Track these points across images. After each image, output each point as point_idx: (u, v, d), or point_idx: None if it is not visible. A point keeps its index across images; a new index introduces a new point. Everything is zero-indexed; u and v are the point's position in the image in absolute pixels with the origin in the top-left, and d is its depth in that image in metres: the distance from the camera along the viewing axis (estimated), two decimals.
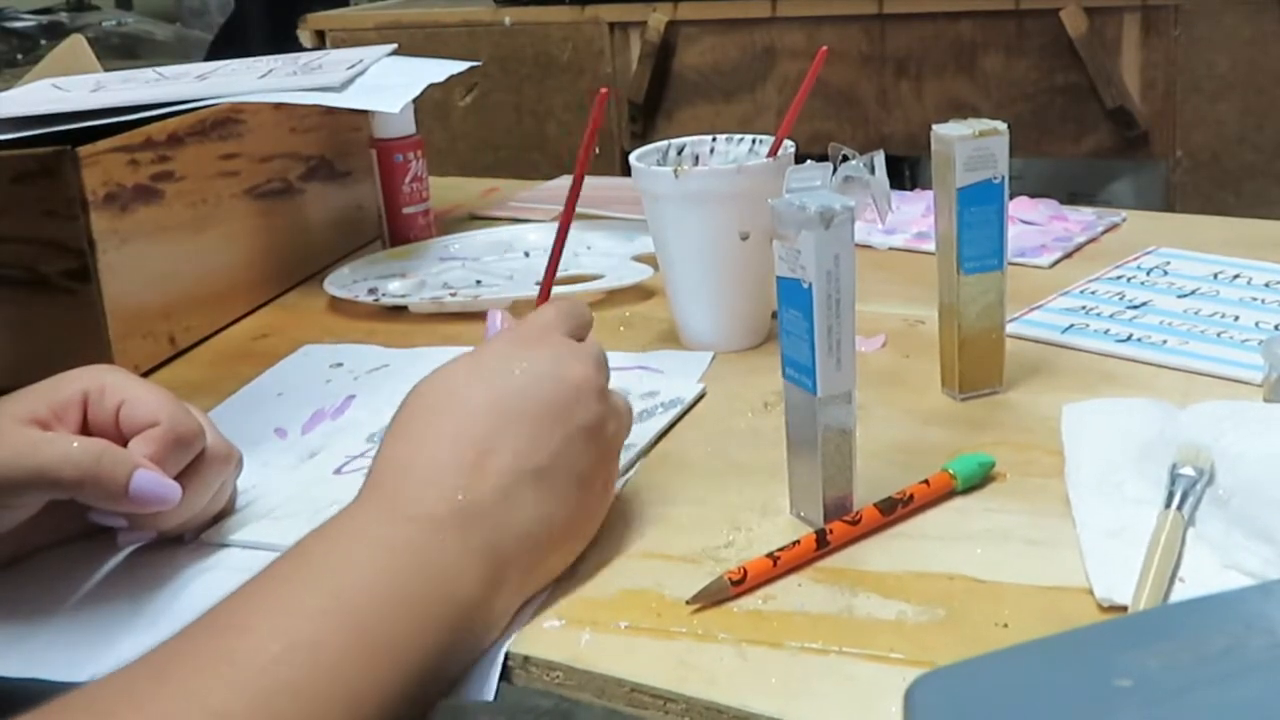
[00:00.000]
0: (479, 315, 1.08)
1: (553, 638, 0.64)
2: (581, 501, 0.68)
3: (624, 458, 0.81)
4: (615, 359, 0.97)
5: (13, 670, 0.67)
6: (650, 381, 0.92)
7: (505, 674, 0.64)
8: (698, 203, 0.94)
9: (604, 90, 0.73)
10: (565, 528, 0.67)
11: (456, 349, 1.00)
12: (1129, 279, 1.06)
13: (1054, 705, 0.44)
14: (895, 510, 0.72)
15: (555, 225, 1.29)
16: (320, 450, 0.86)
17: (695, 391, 0.90)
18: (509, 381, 0.68)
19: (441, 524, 0.62)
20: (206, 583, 0.71)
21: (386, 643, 0.57)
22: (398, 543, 0.61)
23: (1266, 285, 1.02)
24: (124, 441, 0.72)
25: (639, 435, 0.84)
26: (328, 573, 0.59)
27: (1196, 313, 0.98)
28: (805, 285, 0.69)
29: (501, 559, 0.63)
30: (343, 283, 1.16)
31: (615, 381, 0.91)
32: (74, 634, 0.69)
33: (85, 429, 0.73)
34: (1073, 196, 1.82)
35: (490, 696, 0.63)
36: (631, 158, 0.98)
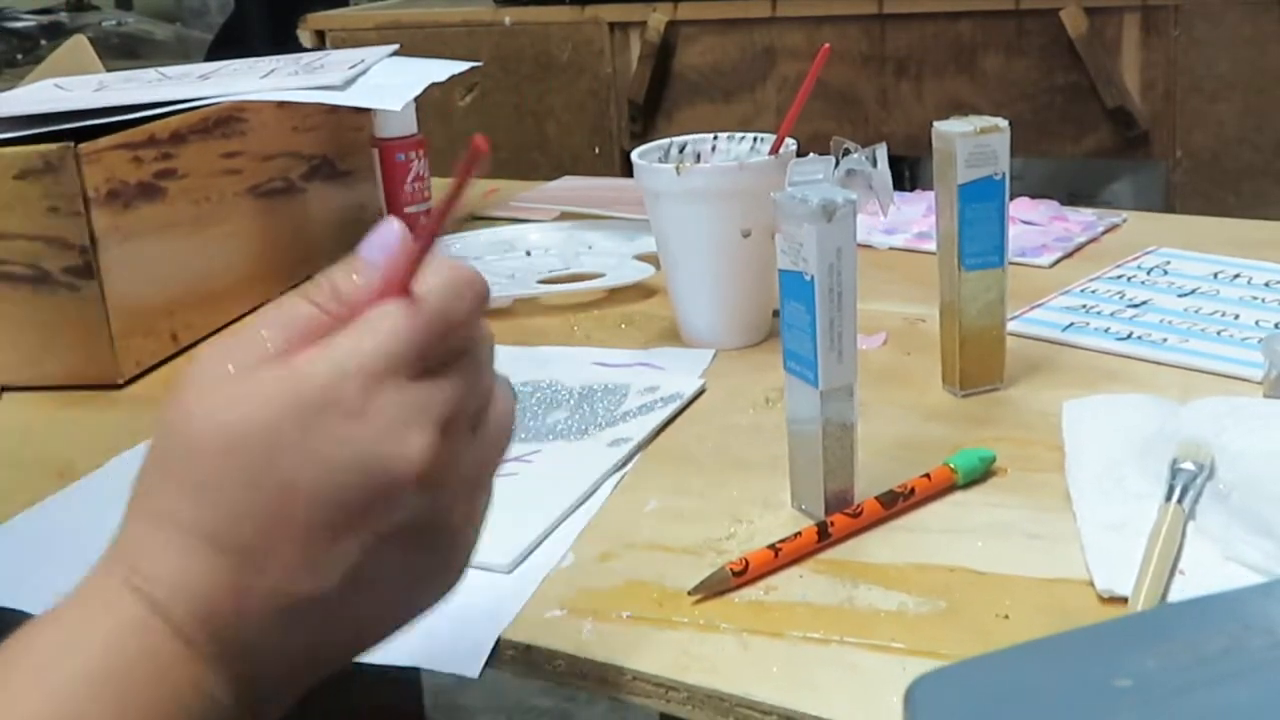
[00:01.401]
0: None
1: (555, 627, 0.64)
2: (385, 618, 0.53)
3: (622, 451, 0.82)
4: (617, 356, 0.97)
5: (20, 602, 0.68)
6: (651, 377, 0.92)
7: (506, 664, 0.64)
8: (699, 200, 0.94)
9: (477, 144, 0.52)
10: (352, 647, 0.53)
11: None
12: (1129, 278, 1.06)
13: (1054, 705, 0.45)
14: (896, 503, 0.72)
15: (556, 225, 1.30)
16: None
17: (695, 386, 0.90)
18: (298, 472, 0.47)
19: (194, 648, 0.48)
20: None
21: None
22: (135, 649, 0.48)
23: (1266, 285, 1.03)
24: None
25: (638, 429, 0.85)
26: (32, 687, 0.47)
27: (1197, 311, 0.98)
28: (807, 278, 0.69)
29: (261, 688, 0.50)
30: None
31: (616, 377, 0.91)
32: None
33: None
34: (1073, 196, 1.82)
35: (476, 674, 0.63)
36: (633, 155, 0.98)
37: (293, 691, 0.52)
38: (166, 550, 0.48)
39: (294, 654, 0.50)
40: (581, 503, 0.77)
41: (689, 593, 0.66)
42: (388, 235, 0.52)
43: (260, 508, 0.48)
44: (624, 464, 0.81)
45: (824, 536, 0.69)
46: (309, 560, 0.48)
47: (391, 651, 0.59)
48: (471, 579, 0.67)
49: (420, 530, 0.51)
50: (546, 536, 0.73)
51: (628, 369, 0.94)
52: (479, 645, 0.64)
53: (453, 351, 0.51)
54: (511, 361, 0.95)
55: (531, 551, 0.72)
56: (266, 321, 0.50)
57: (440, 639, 0.64)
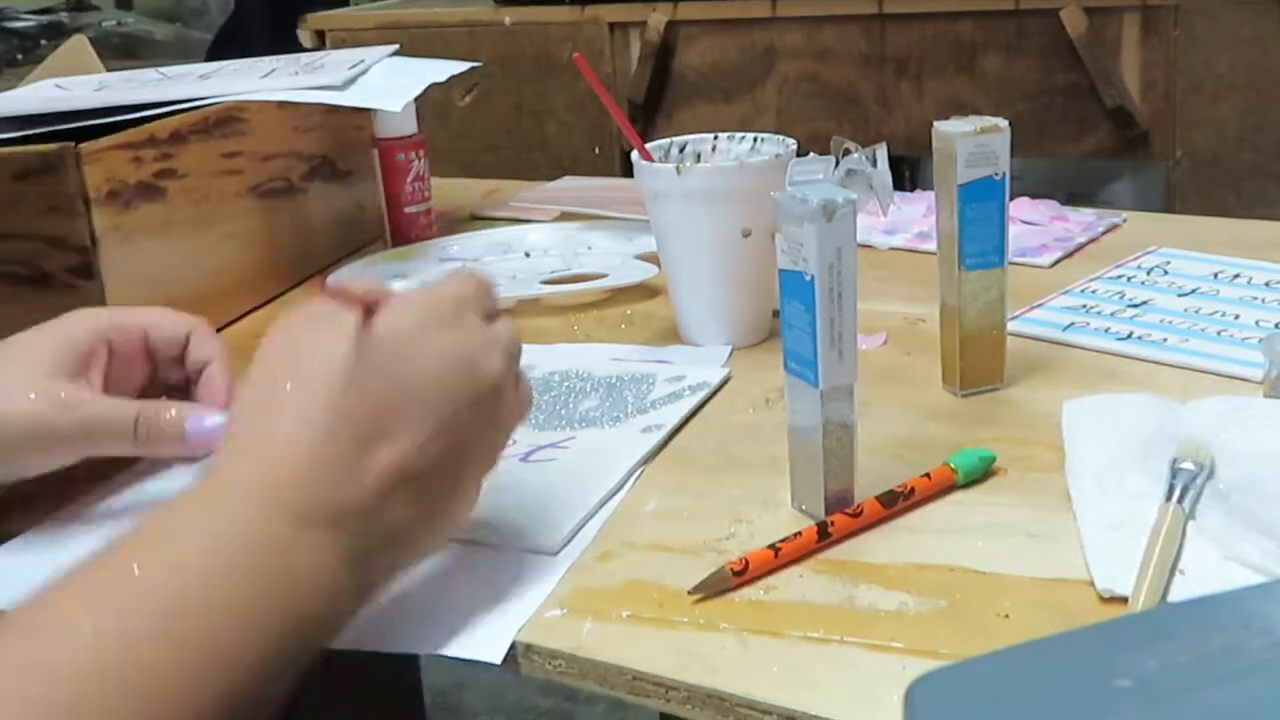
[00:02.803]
0: None
1: (555, 627, 0.64)
2: (449, 508, 0.63)
3: (655, 437, 0.83)
4: (632, 353, 0.98)
5: None
6: (672, 369, 0.93)
7: (507, 663, 0.64)
8: (700, 200, 0.94)
9: None
10: (428, 532, 0.62)
11: None
12: (1129, 278, 1.06)
13: (1054, 705, 0.45)
14: (896, 503, 0.72)
15: (556, 226, 1.30)
16: None
17: (721, 376, 0.91)
18: (412, 366, 0.60)
19: (310, 525, 0.56)
20: None
21: (225, 652, 0.52)
22: (256, 540, 0.55)
23: (1266, 284, 1.03)
24: (155, 365, 0.80)
25: (669, 415, 0.85)
26: (163, 571, 0.53)
27: (1197, 311, 0.98)
28: (807, 278, 0.69)
29: (367, 565, 0.58)
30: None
31: (636, 369, 0.92)
32: None
33: (112, 372, 0.78)
34: (1073, 196, 1.82)
35: (498, 661, 0.63)
36: (634, 155, 0.98)
37: (394, 571, 0.61)
38: (292, 444, 0.56)
39: (399, 528, 0.59)
40: (620, 487, 0.78)
41: (689, 592, 0.66)
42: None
43: (380, 399, 0.58)
44: (658, 450, 0.82)
45: (824, 536, 0.69)
46: (416, 446, 0.59)
47: (415, 640, 0.64)
48: (484, 569, 0.68)
49: (491, 433, 0.63)
50: (589, 520, 0.74)
51: (646, 364, 0.94)
52: (500, 633, 0.64)
53: (496, 316, 0.66)
54: (534, 357, 0.96)
55: (575, 534, 0.73)
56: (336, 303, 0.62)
57: (461, 628, 0.65)
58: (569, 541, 0.72)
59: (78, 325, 0.78)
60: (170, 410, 0.75)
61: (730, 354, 0.97)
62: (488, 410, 0.62)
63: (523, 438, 0.84)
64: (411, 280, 1.16)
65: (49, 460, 0.76)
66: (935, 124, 0.83)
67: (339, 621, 0.58)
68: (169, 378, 0.83)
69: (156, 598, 0.52)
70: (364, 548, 0.58)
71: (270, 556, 0.55)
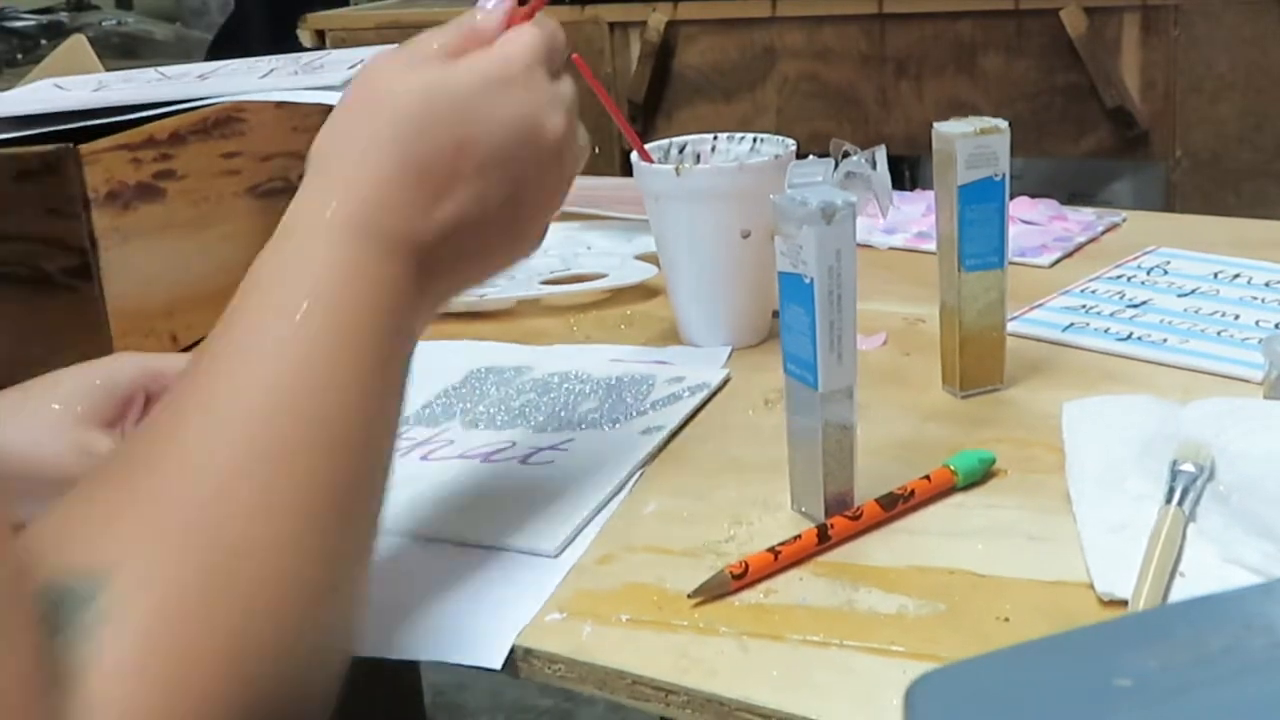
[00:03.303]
0: (482, 315, 1.09)
1: (555, 630, 0.64)
2: (525, 239, 0.69)
3: (654, 439, 0.82)
4: (631, 354, 0.97)
5: None
6: (672, 370, 0.93)
7: (506, 666, 0.64)
8: (699, 201, 0.94)
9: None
10: (492, 263, 0.69)
11: (459, 343, 1.01)
12: (1129, 278, 1.06)
13: (1054, 705, 0.44)
14: (896, 505, 0.72)
15: (555, 225, 1.30)
16: None
17: (720, 377, 0.91)
18: (478, 125, 0.64)
19: (391, 250, 0.62)
20: None
21: (372, 355, 0.60)
22: (354, 269, 0.61)
23: (1266, 284, 1.03)
24: None
25: (669, 417, 0.85)
26: (293, 310, 0.59)
27: (1197, 311, 0.98)
28: (807, 280, 0.69)
29: (431, 287, 0.64)
30: None
31: (639, 370, 0.92)
32: None
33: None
34: (1073, 196, 1.82)
35: (498, 666, 0.63)
36: (633, 156, 0.98)
37: (458, 289, 0.68)
38: (373, 183, 0.62)
39: (463, 256, 0.65)
40: (620, 490, 0.78)
41: (688, 596, 0.65)
42: None
43: (451, 146, 0.63)
44: (658, 452, 0.82)
45: (824, 539, 0.69)
46: (478, 196, 0.64)
47: (415, 646, 0.64)
48: (484, 572, 0.68)
49: (546, 193, 0.68)
50: (588, 523, 0.74)
51: (645, 366, 0.94)
52: (500, 638, 0.64)
53: (561, 71, 0.70)
54: (533, 358, 0.96)
55: (575, 537, 0.72)
56: (431, 35, 0.67)
57: (460, 633, 0.65)
58: (568, 544, 0.72)
59: (120, 371, 0.79)
60: None
61: (730, 355, 0.97)
62: (550, 165, 0.67)
63: (521, 440, 0.84)
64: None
65: None
66: (935, 125, 0.83)
67: (418, 321, 0.64)
68: None
69: (314, 327, 0.59)
70: (429, 269, 0.63)
71: (366, 280, 0.61)
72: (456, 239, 0.64)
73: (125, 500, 0.53)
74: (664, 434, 0.83)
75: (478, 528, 0.74)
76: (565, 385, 0.91)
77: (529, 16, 0.69)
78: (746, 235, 0.94)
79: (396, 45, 0.68)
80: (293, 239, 0.63)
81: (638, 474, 0.80)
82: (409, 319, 0.63)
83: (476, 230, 0.65)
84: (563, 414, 0.87)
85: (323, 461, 0.56)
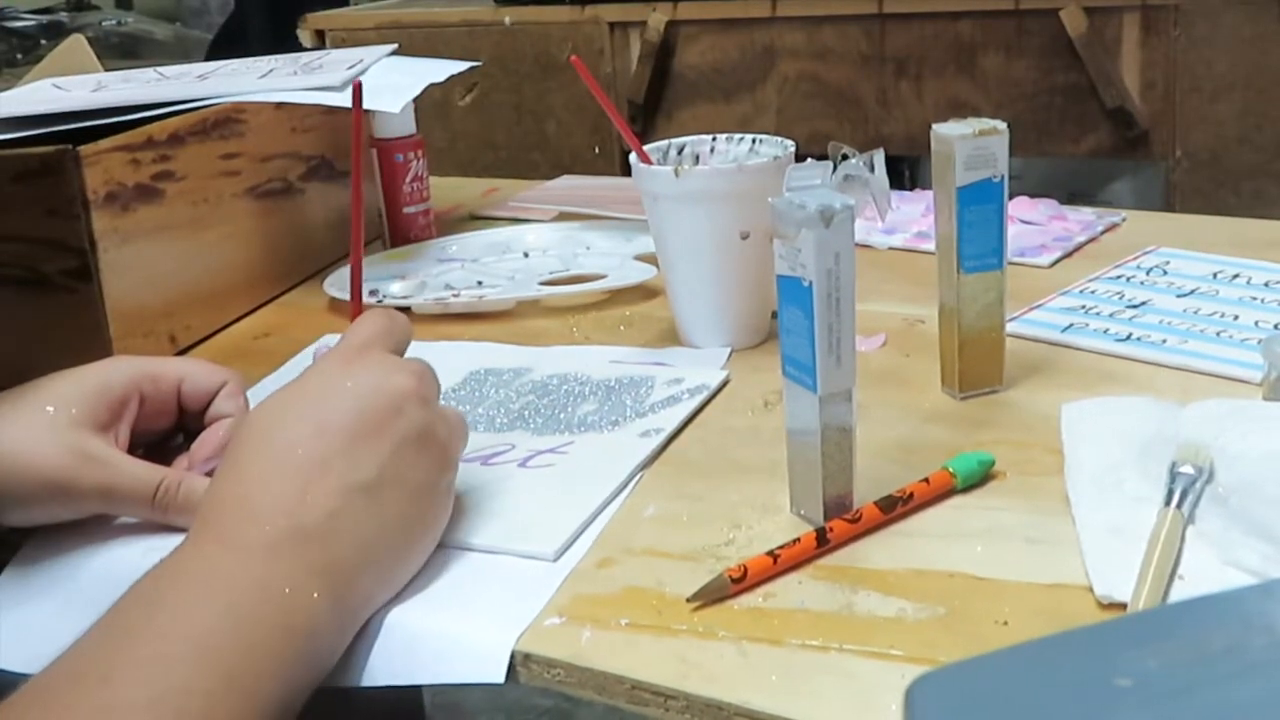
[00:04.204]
0: (481, 316, 1.09)
1: (553, 635, 0.64)
2: (419, 510, 0.68)
3: (654, 442, 0.82)
4: (630, 355, 0.97)
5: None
6: (671, 372, 0.93)
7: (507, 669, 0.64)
8: (698, 202, 0.94)
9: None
10: (404, 537, 0.68)
11: (458, 344, 1.01)
12: (1128, 278, 1.06)
13: (1054, 705, 0.44)
14: (895, 508, 0.72)
15: (554, 226, 1.30)
16: None
17: (720, 379, 0.91)
18: (331, 402, 0.67)
19: (277, 551, 0.62)
20: None
21: (250, 679, 0.58)
22: (238, 576, 0.61)
23: (1266, 285, 1.02)
24: (179, 416, 0.82)
25: (668, 420, 0.85)
26: (179, 616, 0.59)
27: (1196, 312, 0.98)
28: (805, 284, 0.69)
29: (339, 578, 0.63)
30: (342, 284, 1.16)
31: (638, 372, 0.92)
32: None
33: (138, 421, 0.79)
34: (1072, 196, 1.82)
35: (500, 680, 0.63)
36: (632, 157, 0.98)
37: (379, 585, 0.66)
38: (246, 501, 0.64)
39: (358, 536, 0.65)
40: (619, 493, 0.77)
41: (687, 600, 0.65)
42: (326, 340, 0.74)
43: (310, 433, 0.66)
44: (657, 454, 0.82)
45: (823, 542, 0.69)
46: (354, 459, 0.65)
47: (414, 670, 0.65)
48: (481, 577, 0.67)
49: (424, 438, 0.68)
50: (587, 526, 0.74)
51: (644, 367, 0.94)
52: (499, 648, 0.64)
53: (403, 351, 0.74)
54: (532, 360, 0.96)
55: (574, 541, 0.72)
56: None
57: (459, 647, 0.65)
58: (567, 548, 0.72)
59: (115, 374, 0.79)
60: (193, 484, 0.76)
61: (729, 356, 0.97)
62: (412, 415, 0.68)
63: (520, 442, 0.84)
64: (411, 281, 1.16)
65: (64, 513, 0.76)
66: (934, 126, 0.83)
67: (330, 637, 0.63)
68: (189, 426, 0.83)
69: (187, 645, 0.58)
70: (335, 559, 0.64)
71: (253, 588, 0.61)
72: (350, 512, 0.65)
73: None
74: (663, 436, 0.83)
75: (476, 532, 0.74)
76: (565, 387, 0.91)
77: (356, 313, 0.76)
78: (745, 236, 0.94)
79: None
80: (194, 553, 0.64)
81: (637, 477, 0.80)
82: (312, 617, 0.62)
83: (369, 497, 0.65)
84: (562, 416, 0.87)
85: None
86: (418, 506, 0.68)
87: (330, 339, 0.77)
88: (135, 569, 0.63)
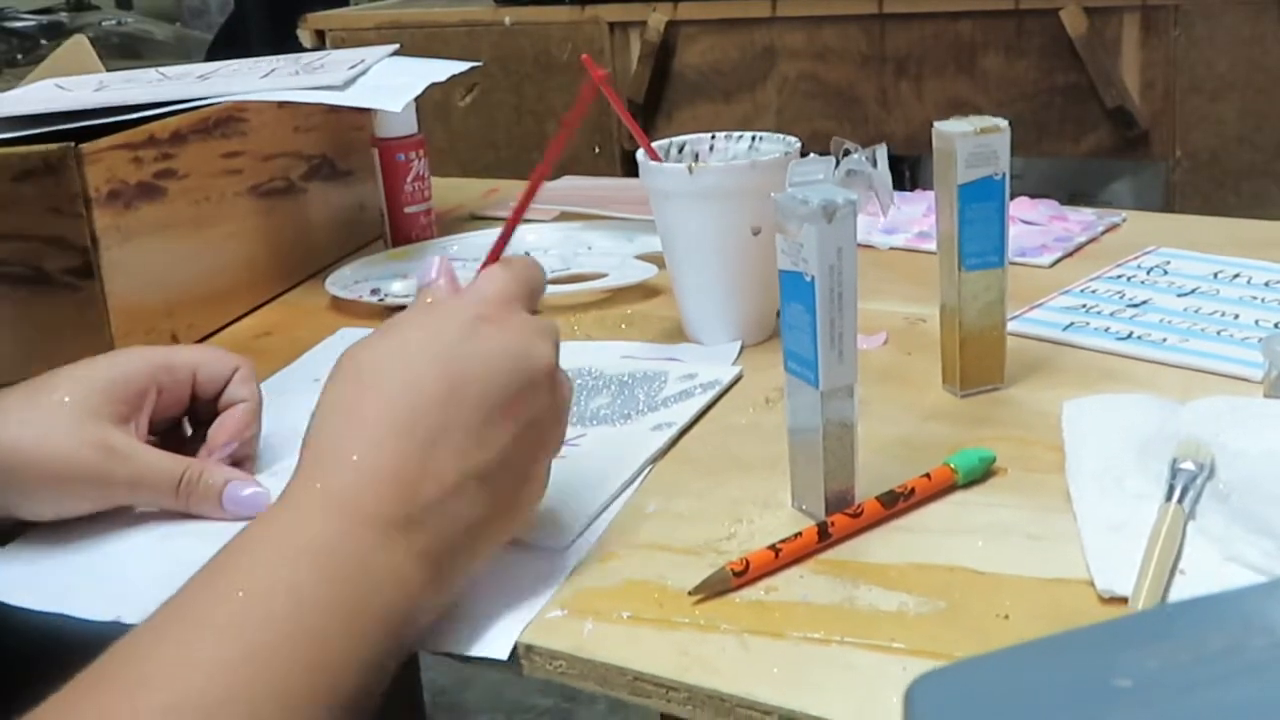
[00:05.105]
0: None
1: (556, 627, 0.64)
2: (523, 493, 0.66)
3: (665, 435, 0.83)
4: (642, 350, 0.98)
5: (43, 604, 0.70)
6: (684, 367, 0.93)
7: (507, 663, 0.64)
8: (711, 198, 0.94)
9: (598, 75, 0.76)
10: (508, 520, 0.65)
11: None
12: (1129, 278, 1.06)
13: (1054, 705, 0.44)
14: (897, 503, 0.72)
15: (555, 225, 1.30)
16: None
17: (733, 374, 0.91)
18: (466, 365, 0.62)
19: (386, 529, 0.59)
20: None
21: (334, 656, 0.55)
22: (340, 549, 0.58)
23: (1266, 284, 1.03)
24: (195, 400, 0.81)
25: (680, 414, 0.85)
26: (266, 590, 0.56)
27: (1196, 311, 0.98)
28: (808, 279, 0.69)
29: (442, 561, 0.61)
30: (344, 283, 1.16)
31: (648, 367, 0.93)
32: (106, 575, 0.72)
33: (155, 410, 0.79)
34: (1073, 196, 1.82)
35: (505, 657, 0.63)
36: (640, 155, 0.98)
37: (472, 562, 0.63)
38: (357, 454, 0.60)
39: (473, 520, 0.62)
40: (629, 486, 0.78)
41: (689, 593, 0.66)
42: (434, 261, 0.71)
43: (439, 398, 0.61)
44: (669, 448, 0.82)
45: (824, 537, 0.69)
46: (478, 438, 0.61)
47: (425, 639, 0.64)
48: (491, 568, 0.68)
49: (549, 419, 0.65)
50: (598, 518, 0.74)
51: (657, 362, 0.95)
52: (506, 630, 0.64)
53: (537, 309, 0.69)
54: None
55: (584, 532, 0.73)
56: (398, 315, 0.67)
57: (466, 625, 0.65)
58: (577, 539, 0.72)
59: (132, 365, 0.78)
60: (214, 473, 0.76)
61: (741, 351, 0.97)
62: (543, 396, 0.65)
63: None
64: (413, 280, 1.16)
65: (88, 505, 0.76)
66: (935, 124, 0.83)
67: (424, 617, 0.61)
68: (201, 413, 0.83)
69: (265, 619, 0.55)
70: (440, 544, 0.61)
71: (356, 564, 0.58)
72: (464, 495, 0.61)
73: None
74: (675, 430, 0.83)
75: None
76: (578, 381, 0.91)
77: (495, 259, 0.70)
78: (757, 232, 0.94)
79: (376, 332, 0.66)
80: (289, 513, 0.60)
81: (648, 470, 0.80)
82: (411, 597, 0.60)
83: (484, 479, 0.62)
84: (574, 410, 0.87)
85: None
86: (525, 489, 0.65)
87: (435, 265, 0.71)
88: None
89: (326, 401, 0.63)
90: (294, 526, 0.59)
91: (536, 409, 0.64)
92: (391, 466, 0.60)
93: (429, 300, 0.68)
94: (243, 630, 0.54)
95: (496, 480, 0.63)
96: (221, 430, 0.80)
